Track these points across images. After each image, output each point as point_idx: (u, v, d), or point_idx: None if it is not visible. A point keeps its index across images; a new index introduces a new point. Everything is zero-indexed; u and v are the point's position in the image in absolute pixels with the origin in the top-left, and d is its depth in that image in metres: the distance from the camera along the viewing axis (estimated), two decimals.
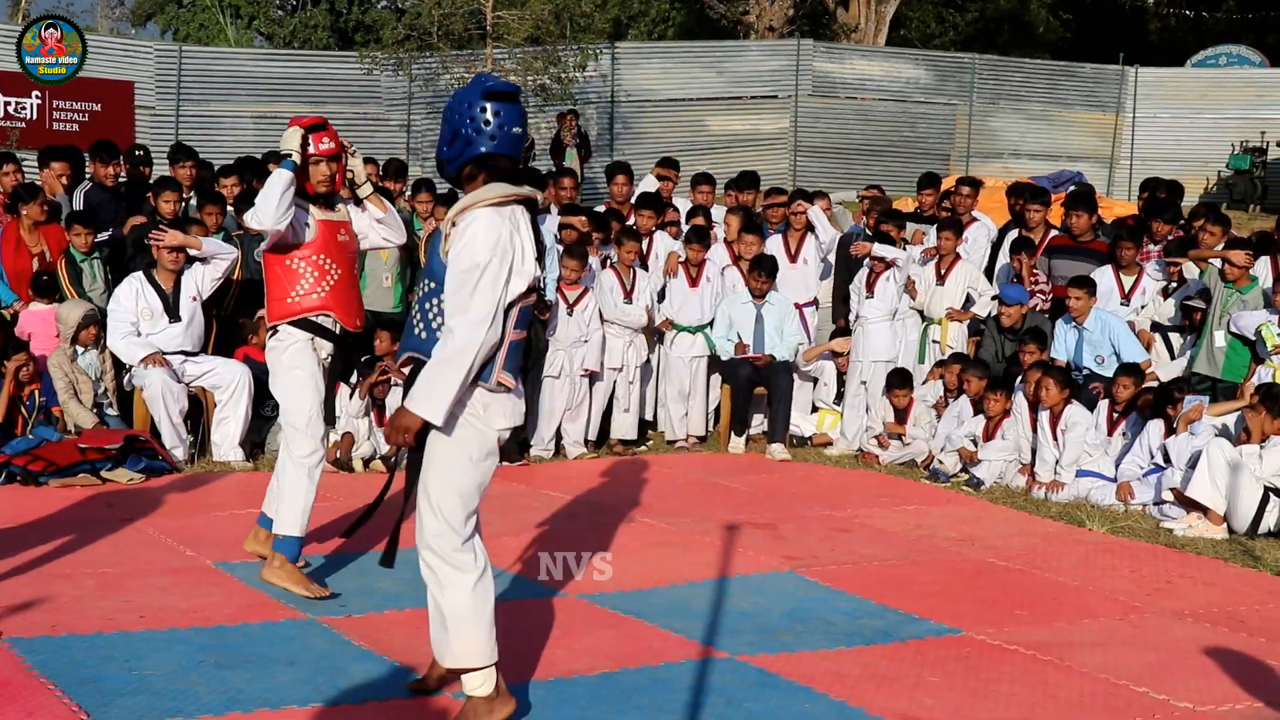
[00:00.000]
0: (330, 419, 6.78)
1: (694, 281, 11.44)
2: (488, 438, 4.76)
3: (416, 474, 4.78)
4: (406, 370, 4.87)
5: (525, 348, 4.90)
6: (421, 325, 4.77)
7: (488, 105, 4.66)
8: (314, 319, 6.60)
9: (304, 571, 6.67)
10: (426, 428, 4.66)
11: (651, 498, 9.17)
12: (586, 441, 10.92)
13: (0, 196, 11.14)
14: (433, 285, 4.71)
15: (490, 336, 4.56)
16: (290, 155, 6.49)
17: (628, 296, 11.04)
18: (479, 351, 4.54)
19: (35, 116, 22.14)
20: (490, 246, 4.55)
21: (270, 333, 6.66)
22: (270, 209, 6.37)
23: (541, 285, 10.33)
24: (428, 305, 4.73)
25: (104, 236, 10.99)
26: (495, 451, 4.80)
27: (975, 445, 10.05)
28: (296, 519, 6.53)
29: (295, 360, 6.55)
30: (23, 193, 10.77)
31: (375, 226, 6.94)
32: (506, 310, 4.65)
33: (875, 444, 10.84)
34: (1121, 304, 10.98)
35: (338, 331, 6.69)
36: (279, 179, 6.42)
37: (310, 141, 6.55)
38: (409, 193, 13.07)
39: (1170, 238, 11.46)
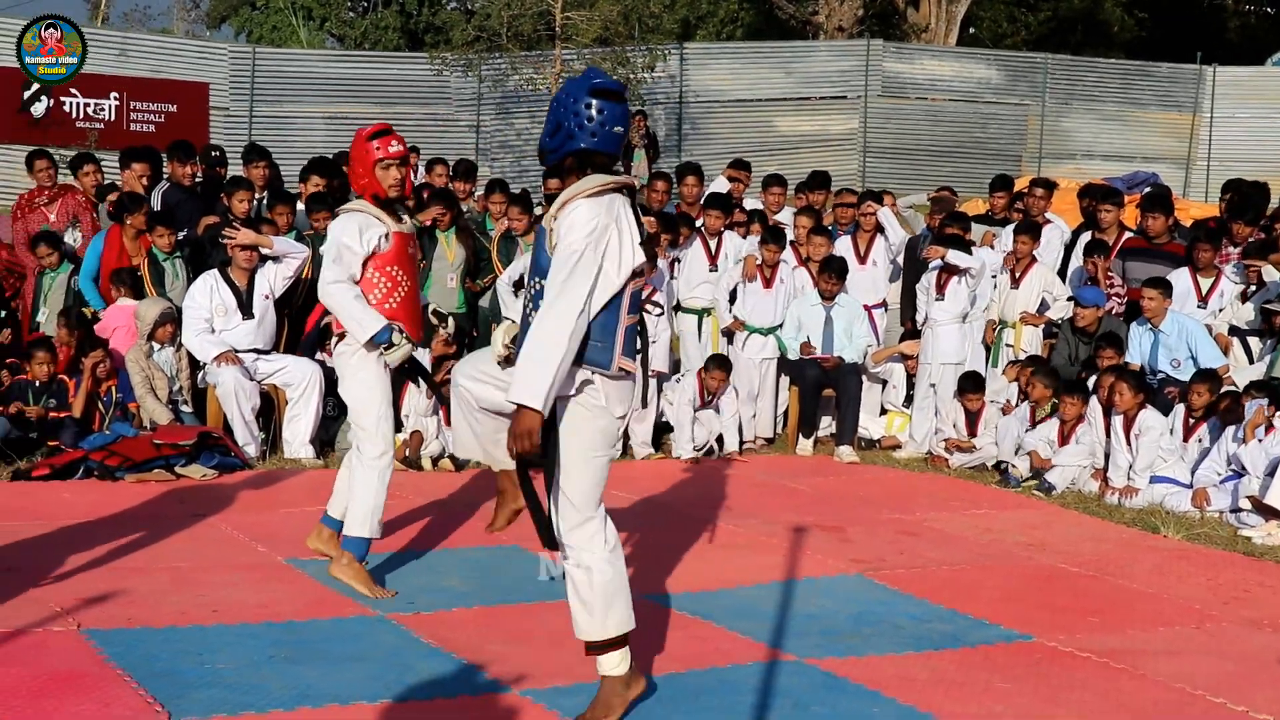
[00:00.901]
0: (397, 424, 6.85)
1: (768, 283, 11.41)
2: (612, 426, 4.88)
3: (551, 466, 4.82)
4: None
5: (640, 332, 4.97)
6: None
7: (593, 101, 4.70)
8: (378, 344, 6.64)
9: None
10: (548, 427, 4.67)
11: (718, 499, 9.15)
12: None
13: (107, 205, 11.31)
14: (543, 283, 4.72)
15: (581, 324, 4.57)
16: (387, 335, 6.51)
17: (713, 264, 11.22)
18: (571, 338, 4.54)
19: (113, 118, 22.50)
20: (586, 235, 4.59)
21: (337, 339, 6.71)
22: (335, 305, 6.58)
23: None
24: (541, 302, 4.71)
25: (179, 236, 11.13)
26: (619, 436, 4.91)
27: (1051, 449, 9.95)
28: (366, 519, 6.57)
29: (363, 364, 6.59)
30: (129, 201, 10.90)
31: None
32: (618, 295, 4.71)
33: (944, 447, 10.76)
34: (1198, 307, 10.83)
35: (391, 366, 6.69)
36: (361, 317, 6.51)
37: (379, 146, 6.62)
38: (480, 193, 13.14)
39: (1250, 240, 11.29)
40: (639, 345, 4.95)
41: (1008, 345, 11.33)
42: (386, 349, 6.48)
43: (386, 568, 7.00)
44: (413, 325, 6.70)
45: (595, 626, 4.87)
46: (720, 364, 10.77)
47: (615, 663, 4.91)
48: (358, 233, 6.57)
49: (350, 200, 6.86)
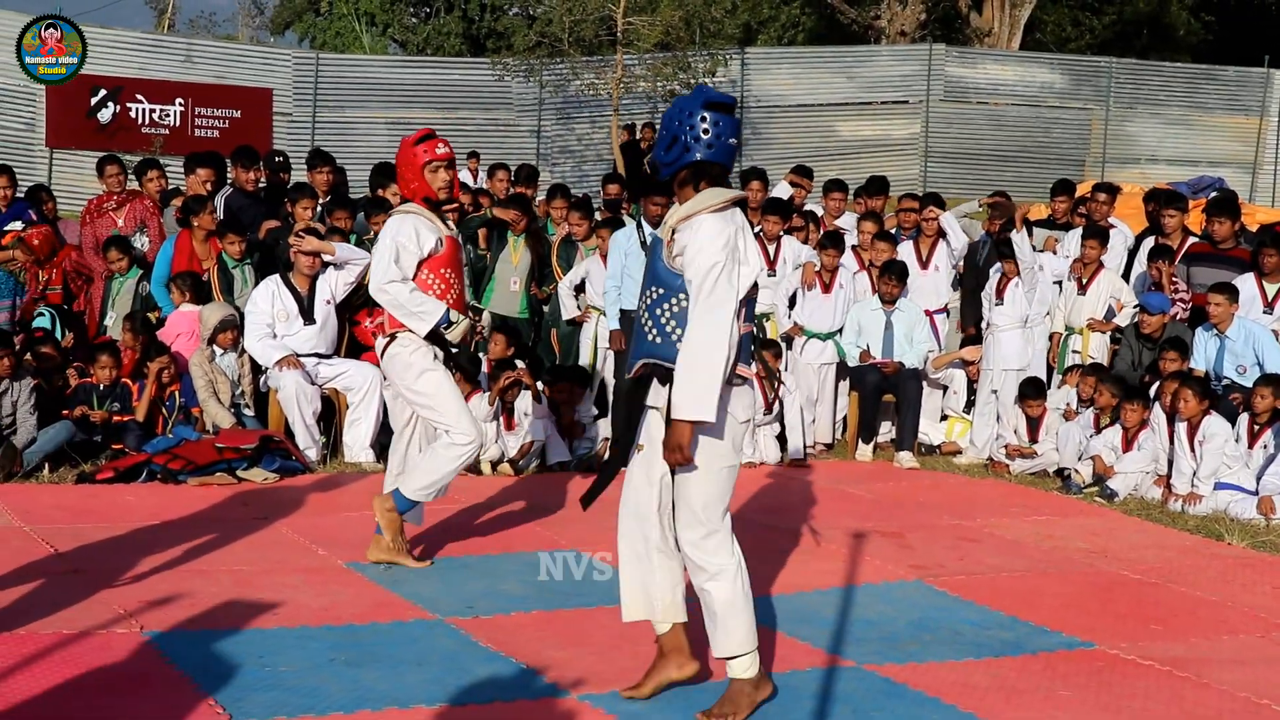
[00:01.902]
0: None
1: (827, 288, 11.37)
2: (736, 432, 4.98)
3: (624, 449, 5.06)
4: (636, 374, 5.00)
5: (752, 339, 5.11)
6: (655, 331, 4.89)
7: (706, 115, 4.86)
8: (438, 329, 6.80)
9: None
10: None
11: (778, 505, 9.13)
12: None
13: (175, 213, 11.43)
14: (661, 292, 4.88)
15: (735, 333, 4.76)
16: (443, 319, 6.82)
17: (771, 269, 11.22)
18: (730, 347, 4.72)
19: (178, 123, 22.78)
20: (721, 247, 4.76)
21: (387, 341, 6.80)
22: (393, 300, 6.83)
23: None
24: (658, 311, 4.88)
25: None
26: (741, 443, 5.04)
27: (1114, 456, 9.85)
28: (423, 486, 6.80)
29: (425, 360, 6.73)
30: (194, 204, 11.00)
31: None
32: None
33: (1005, 453, 10.68)
34: (1264, 312, 10.68)
35: (455, 344, 6.95)
36: (421, 306, 6.80)
37: (426, 150, 6.78)
38: (541, 199, 13.18)
39: None
40: (752, 352, 5.10)
41: (1074, 352, 11.23)
42: (447, 328, 6.76)
43: (445, 572, 7.03)
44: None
45: (718, 641, 5.02)
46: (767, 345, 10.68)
47: (745, 666, 5.05)
48: (414, 234, 6.69)
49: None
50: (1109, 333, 11.18)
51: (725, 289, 4.73)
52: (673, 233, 4.86)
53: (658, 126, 23.50)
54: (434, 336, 6.86)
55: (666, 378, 4.83)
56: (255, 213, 11.60)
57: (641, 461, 5.06)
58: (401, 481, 6.93)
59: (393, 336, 6.78)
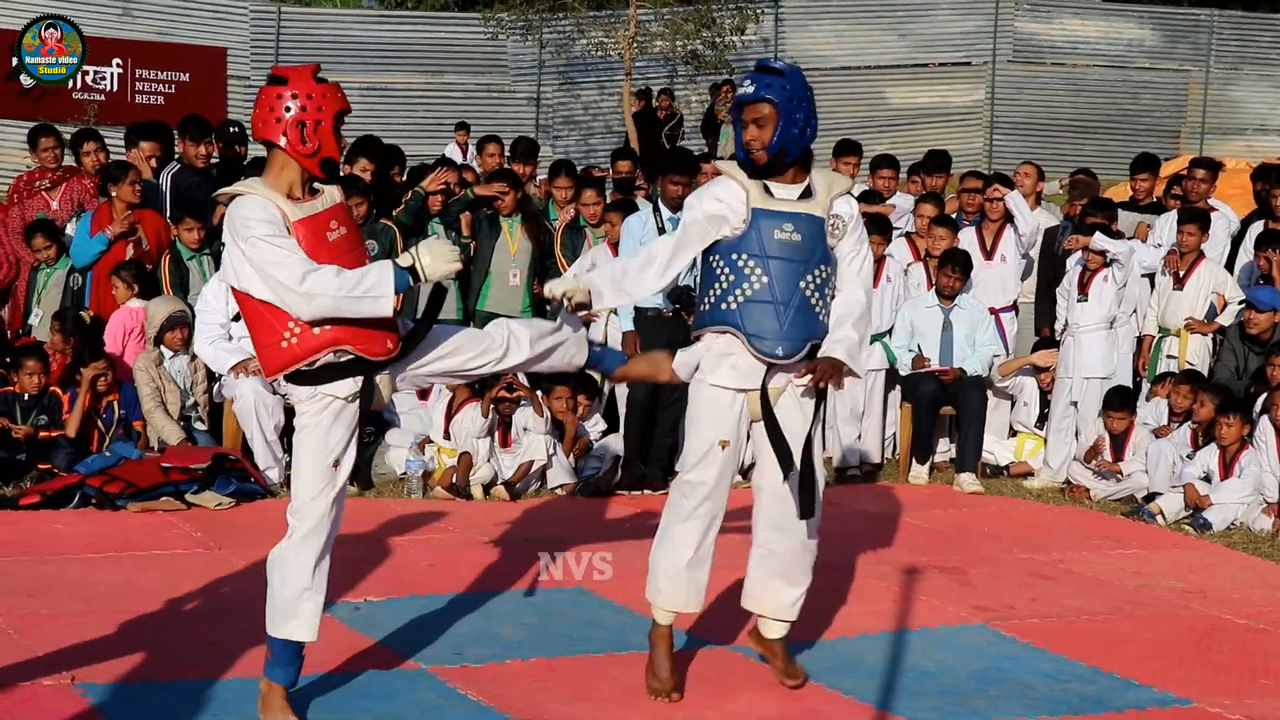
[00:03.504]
0: None
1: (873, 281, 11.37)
2: None
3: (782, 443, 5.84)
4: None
5: None
6: (825, 312, 5.86)
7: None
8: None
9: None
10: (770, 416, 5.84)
11: (817, 535, 9.13)
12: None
13: (94, 178, 11.46)
14: (829, 272, 5.86)
15: None
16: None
17: None
18: None
19: (115, 88, 22.78)
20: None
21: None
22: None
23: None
24: (826, 290, 5.86)
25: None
26: None
27: (1208, 481, 9.84)
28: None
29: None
30: (115, 170, 11.01)
31: None
32: None
33: (1087, 462, 10.62)
34: None
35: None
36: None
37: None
38: (543, 177, 13.13)
39: None
40: None
41: (1169, 357, 11.20)
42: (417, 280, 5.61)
43: (429, 613, 7.05)
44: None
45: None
46: None
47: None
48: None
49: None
50: (1210, 335, 11.15)
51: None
52: (830, 209, 5.83)
53: (676, 93, 23.55)
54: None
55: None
56: (206, 193, 11.62)
57: (725, 459, 5.94)
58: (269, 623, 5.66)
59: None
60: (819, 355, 5.77)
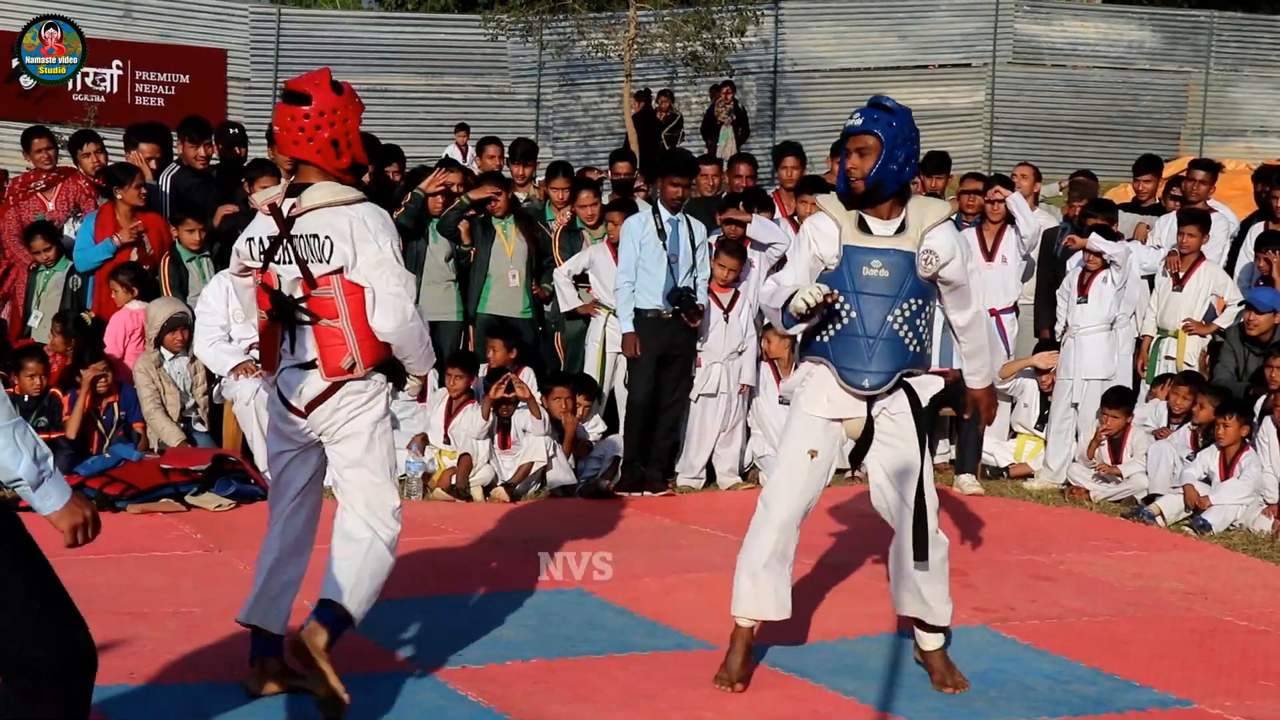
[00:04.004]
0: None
1: None
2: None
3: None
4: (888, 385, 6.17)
5: None
6: (915, 343, 6.08)
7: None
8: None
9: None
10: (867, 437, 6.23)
11: (817, 537, 9.13)
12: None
13: (97, 179, 11.45)
14: (920, 303, 6.05)
15: None
16: None
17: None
18: None
19: (115, 89, 22.78)
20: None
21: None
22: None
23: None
24: (918, 322, 6.06)
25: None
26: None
27: (1208, 483, 9.84)
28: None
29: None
30: (119, 173, 11.02)
31: None
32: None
33: (1088, 474, 10.64)
34: None
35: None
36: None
37: None
38: (541, 177, 13.13)
39: None
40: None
41: (1167, 358, 11.20)
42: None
43: (429, 615, 7.05)
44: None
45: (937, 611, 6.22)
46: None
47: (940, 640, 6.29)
48: None
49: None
50: (1209, 336, 11.15)
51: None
52: (921, 244, 6.00)
53: (675, 95, 23.52)
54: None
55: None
56: (206, 194, 11.63)
57: (811, 469, 6.11)
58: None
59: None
60: (968, 388, 6.59)
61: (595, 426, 10.78)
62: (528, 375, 10.57)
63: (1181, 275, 11.19)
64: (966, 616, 7.34)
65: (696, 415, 10.72)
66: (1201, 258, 11.24)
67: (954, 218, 6.23)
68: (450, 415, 10.29)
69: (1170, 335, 11.25)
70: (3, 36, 18.10)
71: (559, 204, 12.13)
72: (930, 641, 6.29)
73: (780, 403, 11.08)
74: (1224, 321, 11.14)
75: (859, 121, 6.07)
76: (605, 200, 12.37)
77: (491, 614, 7.13)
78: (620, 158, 13.99)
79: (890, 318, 6.03)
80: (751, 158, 13.19)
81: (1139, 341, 11.48)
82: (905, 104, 6.29)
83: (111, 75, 22.84)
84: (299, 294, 5.65)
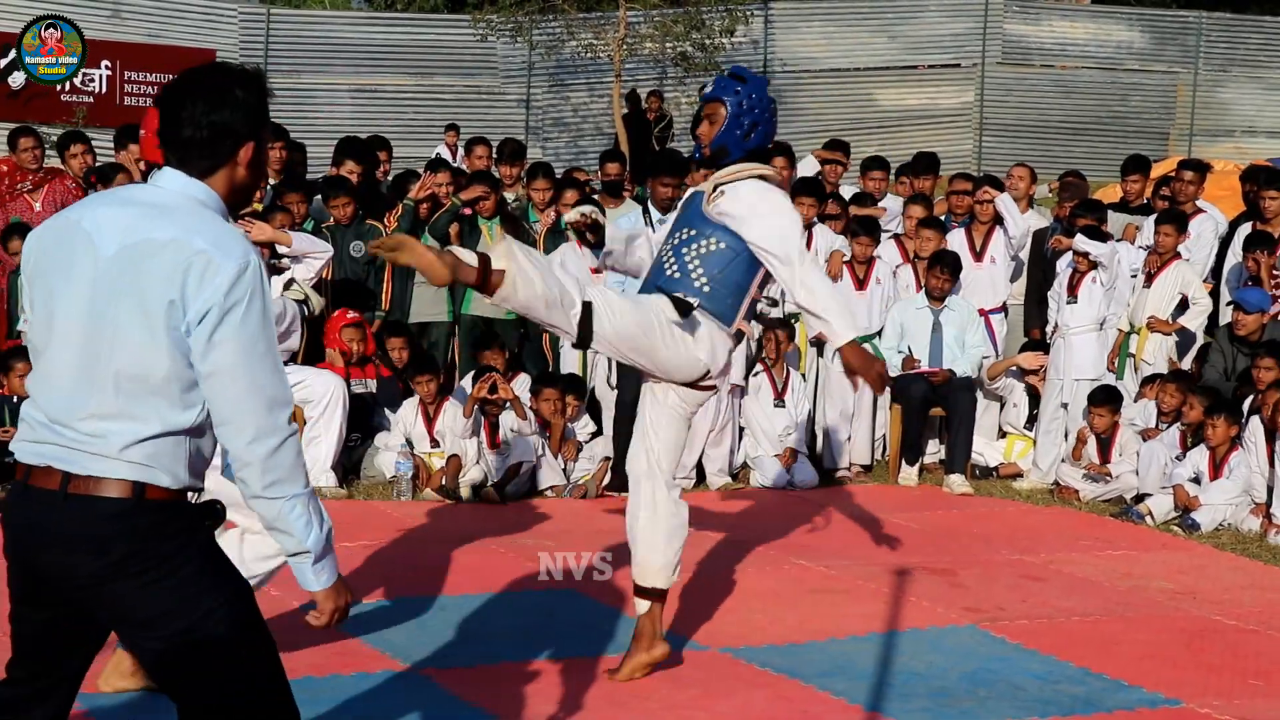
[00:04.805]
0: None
1: (861, 283, 11.38)
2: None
3: None
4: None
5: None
6: (676, 268, 6.01)
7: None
8: None
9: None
10: None
11: (807, 537, 9.15)
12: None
13: (78, 180, 11.42)
14: (692, 233, 6.03)
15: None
16: None
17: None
18: None
19: (104, 90, 22.74)
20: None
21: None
22: None
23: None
24: (684, 250, 6.01)
25: None
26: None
27: (1198, 483, 9.85)
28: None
29: None
30: (107, 171, 10.97)
31: None
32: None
33: (1077, 474, 10.65)
34: None
35: None
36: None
37: None
38: (525, 178, 13.12)
39: None
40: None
41: (1131, 355, 11.22)
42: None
43: (418, 615, 7.05)
44: None
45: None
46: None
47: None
48: None
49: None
50: (1173, 335, 11.15)
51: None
52: (714, 187, 6.03)
53: (665, 95, 23.55)
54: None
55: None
56: None
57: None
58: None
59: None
60: None
61: (585, 427, 10.77)
62: (522, 380, 10.57)
63: (1153, 272, 11.20)
64: (956, 616, 7.36)
65: None
66: (1176, 256, 11.24)
67: (768, 176, 6.17)
68: (431, 418, 10.30)
69: (1135, 332, 11.24)
70: None
71: (540, 205, 12.11)
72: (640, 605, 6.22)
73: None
74: (1188, 321, 11.15)
75: (711, 89, 6.21)
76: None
77: (482, 614, 7.13)
78: (610, 158, 14.00)
79: (666, 245, 6.17)
80: (787, 148, 13.07)
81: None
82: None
83: (101, 75, 22.79)
84: None
